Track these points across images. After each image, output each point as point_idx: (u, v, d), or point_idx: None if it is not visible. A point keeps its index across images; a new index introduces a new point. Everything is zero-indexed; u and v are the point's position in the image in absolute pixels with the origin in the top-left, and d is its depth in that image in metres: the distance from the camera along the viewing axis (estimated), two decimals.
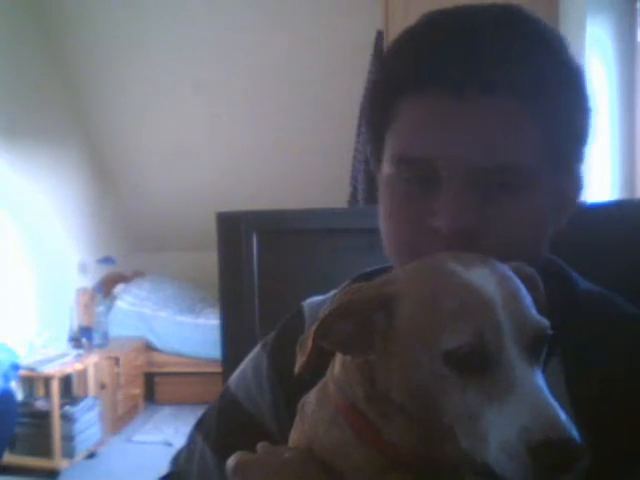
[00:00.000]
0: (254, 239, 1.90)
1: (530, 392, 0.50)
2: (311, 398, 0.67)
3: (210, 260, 2.24)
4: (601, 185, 2.11)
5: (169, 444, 4.38)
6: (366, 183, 3.19)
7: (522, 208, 0.65)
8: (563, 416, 0.49)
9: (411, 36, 0.70)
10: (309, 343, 0.57)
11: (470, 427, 0.52)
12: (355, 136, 3.34)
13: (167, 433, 4.61)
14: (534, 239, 0.68)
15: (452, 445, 0.55)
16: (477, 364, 0.52)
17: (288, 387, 0.82)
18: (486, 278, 0.55)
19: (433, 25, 0.69)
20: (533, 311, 0.55)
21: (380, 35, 2.96)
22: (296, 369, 0.59)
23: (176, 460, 0.94)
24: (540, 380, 0.52)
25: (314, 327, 0.57)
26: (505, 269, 0.58)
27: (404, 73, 0.68)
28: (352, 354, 0.60)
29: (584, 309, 0.57)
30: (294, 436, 0.68)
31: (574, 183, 0.73)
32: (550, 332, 0.55)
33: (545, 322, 0.55)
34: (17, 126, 4.44)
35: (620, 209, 1.04)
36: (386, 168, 0.71)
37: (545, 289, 0.62)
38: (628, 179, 2.13)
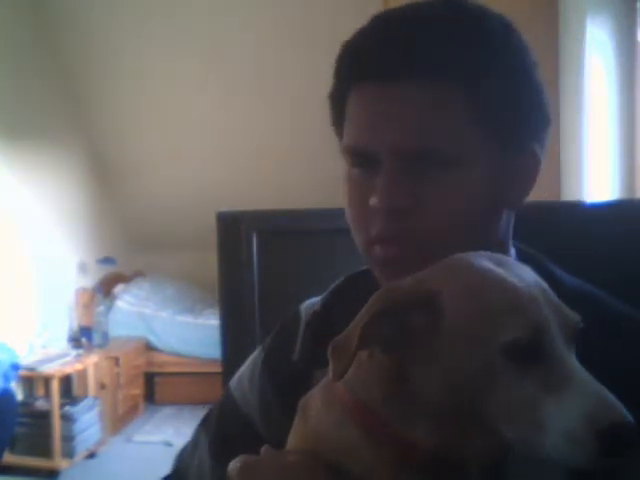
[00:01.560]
0: (254, 239, 1.90)
1: (586, 381, 0.53)
2: (314, 398, 0.66)
3: (210, 260, 2.24)
4: (601, 185, 2.12)
5: (169, 444, 4.38)
6: None
7: (454, 188, 0.67)
8: (619, 402, 0.52)
9: (357, 33, 0.73)
10: (352, 347, 0.56)
11: (523, 417, 0.54)
12: None
13: (167, 433, 4.61)
14: (472, 219, 0.70)
15: (482, 440, 0.57)
16: (533, 356, 0.54)
17: (280, 388, 0.84)
18: (521, 275, 0.58)
19: (375, 21, 0.72)
20: (565, 306, 0.58)
21: None
22: (334, 375, 0.57)
23: (180, 455, 0.95)
24: (580, 366, 0.55)
25: (356, 332, 0.56)
26: (528, 269, 0.60)
27: (348, 68, 0.72)
28: (389, 353, 0.60)
29: (569, 305, 0.58)
30: (295, 437, 0.67)
31: (529, 162, 0.73)
32: (582, 326, 0.57)
33: (578, 317, 0.58)
34: (17, 127, 4.44)
35: (620, 209, 1.04)
36: (343, 159, 0.75)
37: None
38: (628, 179, 2.13)
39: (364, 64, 0.69)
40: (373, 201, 0.68)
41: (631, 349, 0.69)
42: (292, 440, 0.67)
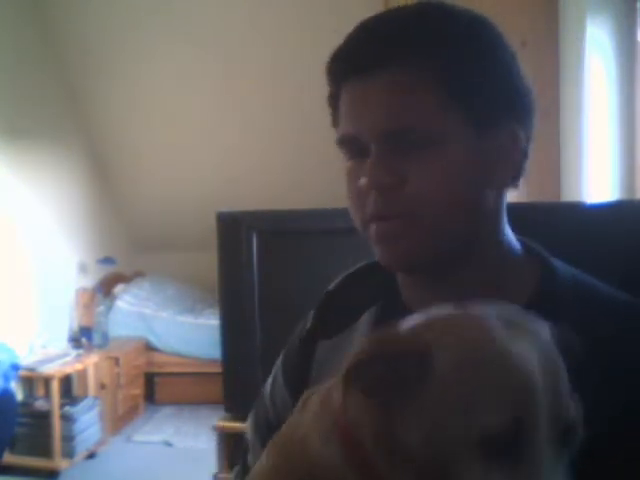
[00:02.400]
0: (254, 239, 1.90)
1: None
2: (316, 395, 0.66)
3: (210, 260, 2.24)
4: (601, 185, 2.12)
5: (169, 444, 4.38)
6: None
7: (434, 163, 0.72)
8: None
9: (343, 40, 0.80)
10: (341, 387, 0.57)
11: None
12: None
13: (167, 433, 4.60)
14: (454, 192, 0.74)
15: None
16: (508, 449, 0.50)
17: (289, 368, 0.92)
18: (528, 349, 0.54)
19: (357, 26, 0.79)
20: (568, 398, 0.54)
21: None
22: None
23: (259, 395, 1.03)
24: (564, 478, 0.51)
25: (346, 371, 0.56)
26: (544, 338, 0.56)
27: (336, 71, 0.80)
28: (378, 398, 0.58)
29: (563, 293, 0.59)
30: (290, 427, 0.68)
31: (508, 142, 0.76)
32: (581, 431, 0.53)
33: (577, 412, 0.54)
34: (17, 127, 4.44)
35: (620, 209, 1.04)
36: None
37: (523, 275, 0.73)
38: (628, 179, 2.13)
39: (347, 64, 0.77)
40: (362, 181, 0.74)
41: (632, 348, 0.69)
42: (286, 429, 0.68)
